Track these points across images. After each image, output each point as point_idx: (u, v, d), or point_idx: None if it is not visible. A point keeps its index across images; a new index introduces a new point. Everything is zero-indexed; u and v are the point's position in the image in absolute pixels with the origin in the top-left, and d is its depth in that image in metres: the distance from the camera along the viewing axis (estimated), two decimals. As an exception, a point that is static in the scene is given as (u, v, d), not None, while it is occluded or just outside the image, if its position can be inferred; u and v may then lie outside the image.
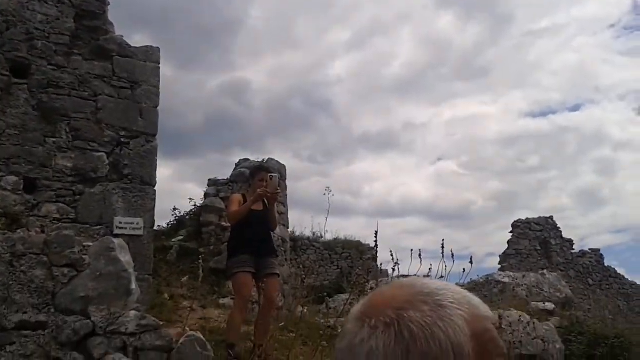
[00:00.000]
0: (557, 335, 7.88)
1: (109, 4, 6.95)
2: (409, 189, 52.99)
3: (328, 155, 52.42)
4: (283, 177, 9.56)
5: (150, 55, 7.15)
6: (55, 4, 6.49)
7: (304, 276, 6.88)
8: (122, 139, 6.69)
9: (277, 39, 57.12)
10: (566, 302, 10.04)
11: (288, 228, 10.51)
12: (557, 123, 57.71)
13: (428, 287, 0.75)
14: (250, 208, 5.33)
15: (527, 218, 18.38)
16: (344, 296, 10.31)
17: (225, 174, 9.90)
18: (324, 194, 5.89)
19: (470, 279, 8.94)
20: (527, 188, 47.87)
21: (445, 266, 5.75)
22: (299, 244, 14.51)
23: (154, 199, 6.84)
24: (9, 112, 6.06)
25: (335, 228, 24.98)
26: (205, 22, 49.80)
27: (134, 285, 4.20)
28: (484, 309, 0.75)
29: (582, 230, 49.46)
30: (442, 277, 5.77)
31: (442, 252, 5.89)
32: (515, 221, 18.31)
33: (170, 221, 10.09)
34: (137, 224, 6.52)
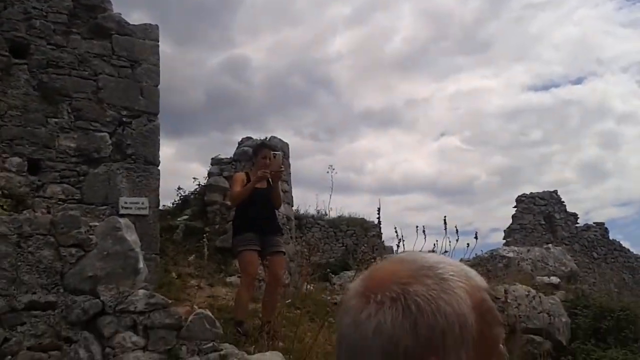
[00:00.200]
0: (562, 308, 7.90)
1: (107, -19, 6.85)
2: (412, 166, 53.06)
3: (330, 133, 52.38)
4: (286, 155, 9.52)
5: (149, 33, 7.06)
6: (52, -18, 6.39)
7: (309, 254, 6.89)
8: (124, 119, 6.65)
9: (276, 15, 56.65)
10: (571, 276, 10.06)
11: (292, 206, 10.52)
12: (559, 96, 57.50)
13: (427, 261, 0.77)
14: (251, 189, 5.30)
15: (531, 192, 18.36)
16: (350, 273, 10.36)
17: (228, 152, 9.87)
18: (327, 172, 5.87)
19: (475, 254, 8.96)
20: (531, 162, 47.89)
21: (450, 242, 5.76)
22: (303, 222, 14.53)
23: (158, 179, 6.83)
24: (10, 93, 6.01)
25: (339, 205, 25.01)
26: (203, -1, 49.29)
27: (141, 264, 4.19)
28: (479, 280, 0.78)
29: (586, 203, 49.57)
30: (445, 252, 5.78)
31: (445, 228, 5.90)
32: (519, 196, 18.29)
33: (175, 201, 10.12)
34: (142, 203, 6.52)
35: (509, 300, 6.82)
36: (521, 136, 54.58)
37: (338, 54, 56.07)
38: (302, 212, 14.71)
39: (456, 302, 0.72)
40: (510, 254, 10.11)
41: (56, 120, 6.24)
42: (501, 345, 0.79)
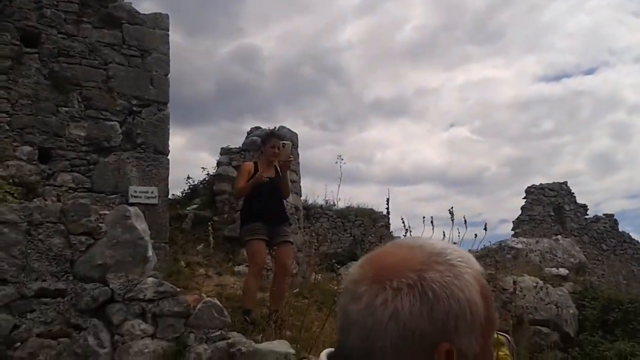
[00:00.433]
0: (570, 300, 7.88)
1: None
2: (421, 156, 52.88)
3: (339, 123, 52.26)
4: (295, 145, 9.51)
5: (160, 23, 7.07)
6: (62, -29, 6.40)
7: (318, 244, 6.90)
8: (134, 108, 6.68)
9: (286, 4, 56.40)
10: (580, 267, 10.02)
11: (301, 196, 10.53)
12: (571, 87, 56.98)
13: (435, 247, 0.78)
14: (254, 186, 5.30)
15: (540, 184, 18.26)
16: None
17: (238, 142, 9.87)
18: (336, 162, 5.88)
19: (484, 245, 8.94)
20: (541, 153, 47.57)
21: (458, 232, 5.74)
22: (311, 212, 14.54)
23: (168, 168, 6.86)
24: (21, 82, 6.05)
25: (347, 196, 25.05)
26: (213, -12, 49.16)
27: (150, 253, 4.23)
28: (478, 265, 0.80)
29: (596, 195, 49.18)
30: (454, 243, 5.77)
31: (452, 219, 5.88)
32: (528, 187, 18.19)
33: (185, 190, 10.16)
34: (152, 192, 6.56)
35: (516, 292, 6.82)
36: (532, 127, 54.21)
37: (348, 43, 55.89)
38: (310, 202, 14.71)
39: (466, 288, 0.74)
40: (519, 245, 10.08)
41: (67, 109, 6.28)
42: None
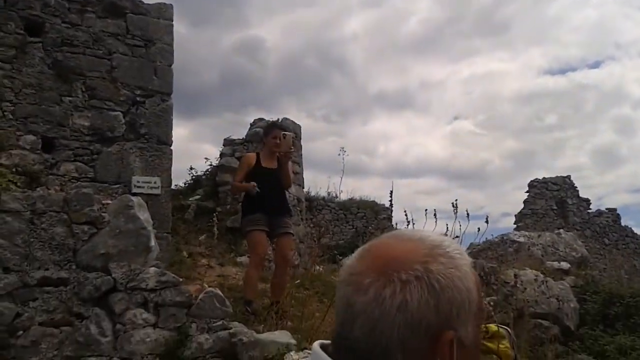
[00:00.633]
0: (571, 294, 7.88)
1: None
2: (424, 149, 52.80)
3: (343, 115, 52.18)
4: (298, 137, 9.51)
5: (163, 12, 7.06)
6: (66, -40, 6.39)
7: (319, 236, 6.91)
8: (138, 98, 6.69)
9: (290, -4, 56.04)
10: (582, 262, 10.00)
11: (303, 188, 10.54)
12: (576, 80, 56.74)
13: (434, 239, 0.81)
14: (245, 189, 5.39)
15: (543, 177, 18.21)
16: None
17: (241, 133, 9.89)
18: (339, 155, 5.88)
19: (486, 238, 8.95)
20: (545, 147, 47.46)
21: (460, 226, 5.75)
22: (314, 204, 14.56)
23: (171, 158, 6.87)
24: (25, 71, 6.05)
25: (350, 188, 25.05)
26: (217, -22, 48.93)
27: (153, 243, 4.24)
28: (469, 256, 0.82)
29: (599, 189, 48.98)
30: (457, 237, 5.78)
31: (455, 212, 5.88)
32: (531, 180, 18.16)
33: (187, 181, 10.19)
34: (155, 183, 6.58)
35: (518, 285, 6.83)
36: (536, 120, 54.03)
37: (353, 35, 55.66)
38: (313, 194, 14.73)
39: (465, 279, 0.77)
40: (521, 239, 10.06)
41: (70, 98, 6.29)
42: None
